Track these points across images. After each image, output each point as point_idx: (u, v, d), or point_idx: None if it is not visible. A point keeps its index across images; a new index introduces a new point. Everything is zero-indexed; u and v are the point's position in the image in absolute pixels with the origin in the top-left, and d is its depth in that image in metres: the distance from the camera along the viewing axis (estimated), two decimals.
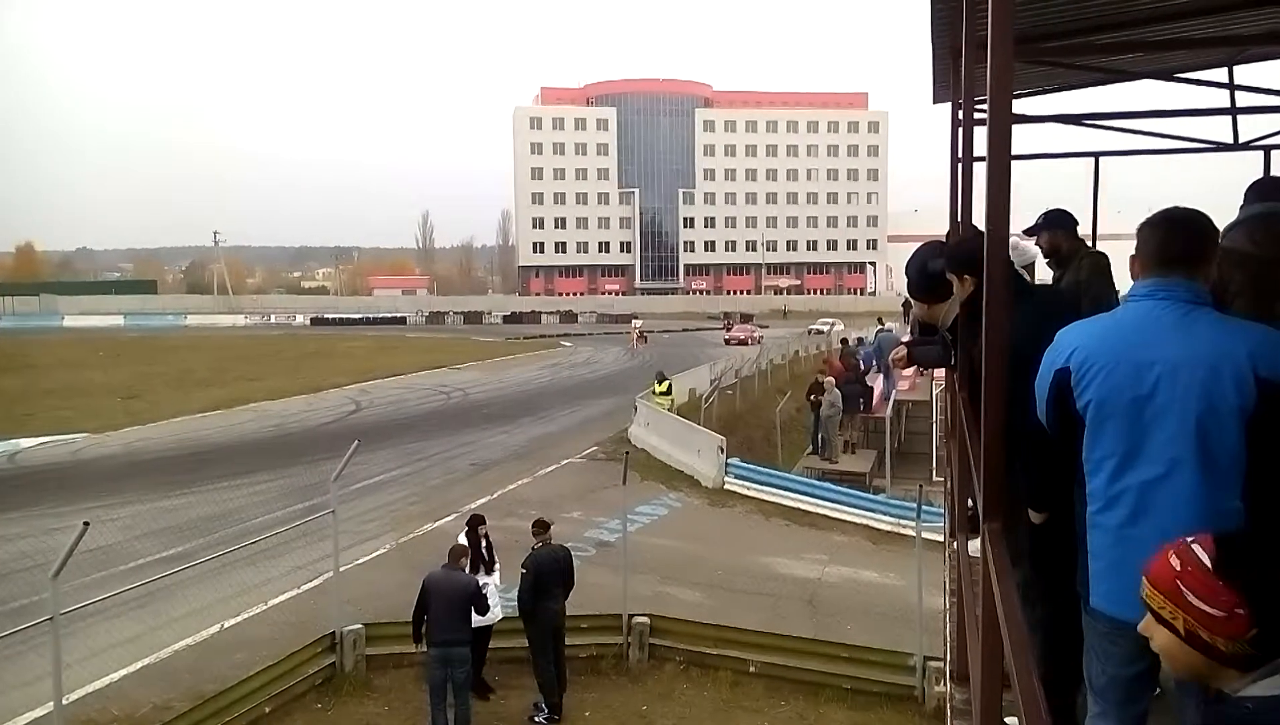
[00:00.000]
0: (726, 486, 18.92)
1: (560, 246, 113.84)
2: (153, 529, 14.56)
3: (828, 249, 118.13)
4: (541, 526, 9.95)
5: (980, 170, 2.30)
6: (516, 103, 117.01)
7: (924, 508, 11.01)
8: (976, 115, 4.55)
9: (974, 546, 2.81)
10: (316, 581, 12.45)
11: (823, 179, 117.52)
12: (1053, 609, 2.64)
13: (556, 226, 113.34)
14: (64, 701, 7.42)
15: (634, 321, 60.48)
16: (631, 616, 11.08)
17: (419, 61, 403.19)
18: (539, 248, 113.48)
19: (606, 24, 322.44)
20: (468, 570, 9.38)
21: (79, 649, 9.21)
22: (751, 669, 10.61)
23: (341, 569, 11.17)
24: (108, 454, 22.14)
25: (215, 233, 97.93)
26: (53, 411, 27.66)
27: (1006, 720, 2.22)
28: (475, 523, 10.14)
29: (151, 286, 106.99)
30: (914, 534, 10.89)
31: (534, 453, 22.18)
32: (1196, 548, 1.48)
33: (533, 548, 9.82)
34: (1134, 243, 2.38)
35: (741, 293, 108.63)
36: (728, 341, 53.69)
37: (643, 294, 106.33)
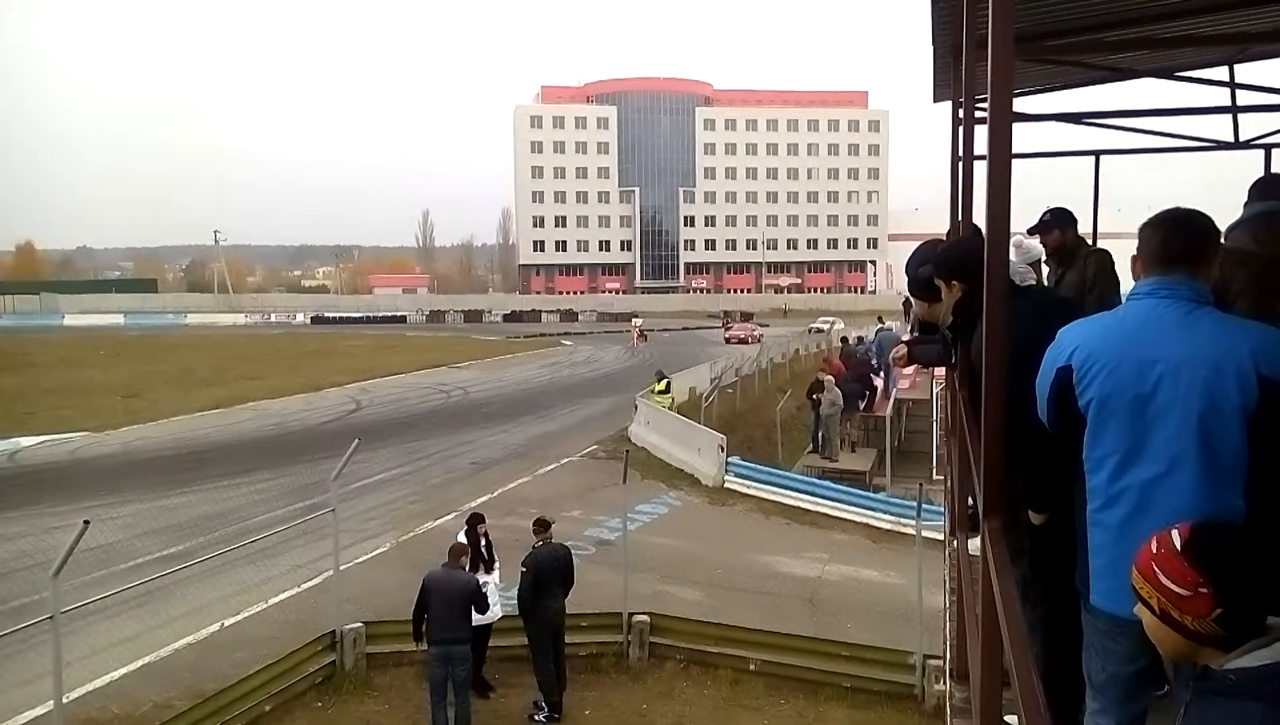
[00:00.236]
0: (727, 485, 18.92)
1: (560, 245, 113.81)
2: (153, 528, 14.56)
3: (828, 248, 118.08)
4: (542, 525, 9.96)
5: (981, 169, 2.30)
6: (517, 101, 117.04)
7: (924, 506, 11.02)
8: (977, 114, 4.54)
9: (974, 545, 2.81)
10: (317, 580, 12.46)
11: (823, 178, 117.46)
12: (1052, 607, 2.64)
13: (557, 225, 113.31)
14: (64, 700, 7.43)
15: (634, 320, 60.51)
16: (632, 615, 11.08)
17: (419, 60, 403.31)
18: (539, 246, 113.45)
19: (607, 23, 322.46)
20: (467, 569, 9.38)
21: (79, 647, 9.21)
22: (752, 667, 10.61)
23: (342, 567, 11.17)
24: (107, 453, 22.15)
25: (215, 231, 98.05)
26: (53, 410, 27.68)
27: (1006, 719, 2.22)
28: (474, 521, 10.15)
29: (152, 285, 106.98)
30: (914, 532, 10.89)
31: (534, 451, 22.18)
32: (1174, 533, 1.59)
33: (533, 546, 9.82)
34: (1134, 242, 2.38)
35: (742, 291, 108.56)
36: (727, 340, 53.67)
37: (643, 292, 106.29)
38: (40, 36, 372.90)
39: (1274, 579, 1.52)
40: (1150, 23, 6.02)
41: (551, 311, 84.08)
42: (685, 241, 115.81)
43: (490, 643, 10.06)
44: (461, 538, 9.84)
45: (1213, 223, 2.33)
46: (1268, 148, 7.08)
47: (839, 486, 18.34)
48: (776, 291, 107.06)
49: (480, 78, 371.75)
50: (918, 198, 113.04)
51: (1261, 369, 2.06)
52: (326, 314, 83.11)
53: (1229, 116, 7.32)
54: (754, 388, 30.58)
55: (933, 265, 3.56)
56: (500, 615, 9.90)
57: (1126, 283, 2.56)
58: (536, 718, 9.63)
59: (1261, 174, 6.79)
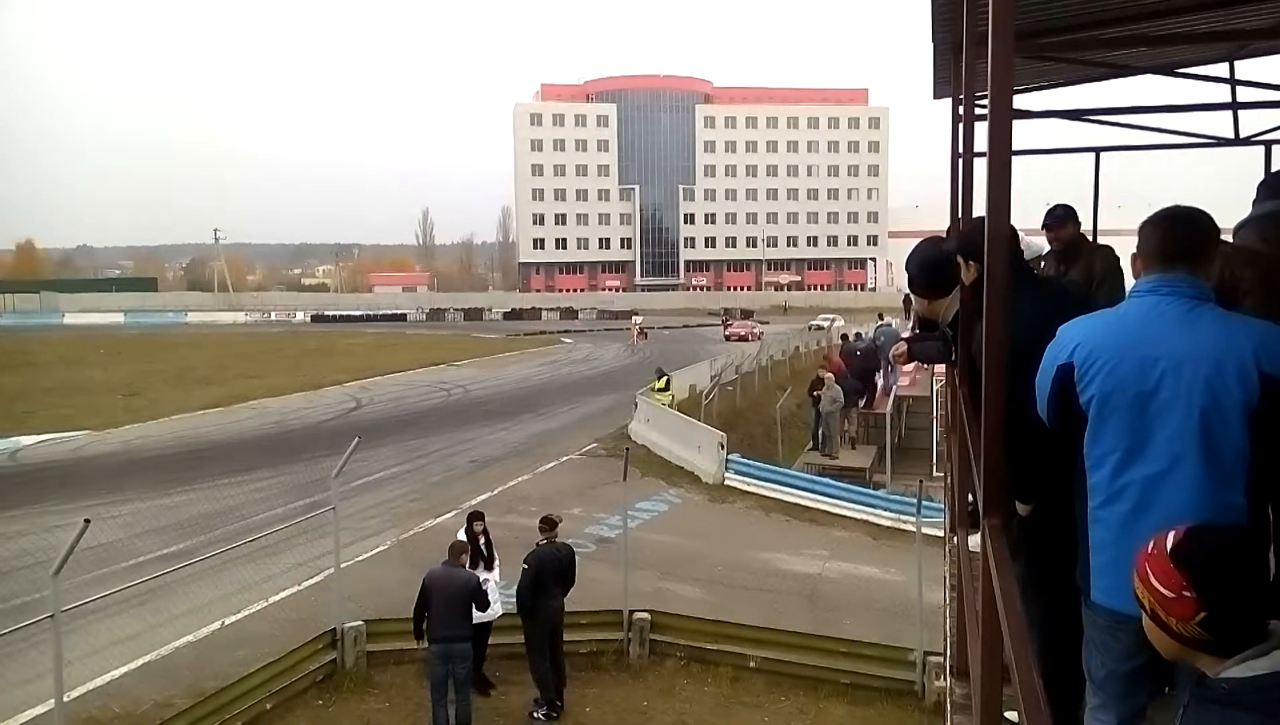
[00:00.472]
0: (727, 482, 18.92)
1: (560, 243, 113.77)
2: (153, 526, 14.57)
3: (828, 245, 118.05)
4: (548, 524, 9.95)
5: (981, 165, 2.30)
6: (516, 99, 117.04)
7: (924, 503, 11.02)
8: (977, 110, 4.53)
9: (974, 541, 2.81)
10: (317, 578, 12.46)
11: (823, 175, 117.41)
12: (1051, 604, 2.64)
13: (557, 223, 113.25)
14: (65, 698, 7.44)
15: (634, 318, 60.45)
16: (632, 612, 11.09)
17: (419, 59, 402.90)
18: (539, 244, 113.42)
19: (606, 20, 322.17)
20: (467, 566, 9.39)
21: (80, 646, 9.22)
22: (752, 664, 10.62)
23: (342, 565, 11.18)
24: (108, 451, 22.16)
25: (215, 230, 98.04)
26: (53, 409, 27.68)
27: (1006, 714, 2.22)
28: (473, 519, 10.15)
29: (152, 284, 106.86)
30: (914, 529, 10.90)
31: (534, 449, 22.19)
32: (1170, 534, 1.59)
33: (537, 543, 9.82)
34: (1134, 239, 2.38)
35: (742, 289, 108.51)
36: (727, 337, 53.64)
37: (643, 290, 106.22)
38: (40, 36, 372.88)
39: (1261, 586, 1.51)
40: (1150, 19, 6.02)
41: (551, 309, 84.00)
42: (685, 239, 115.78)
43: (491, 640, 10.07)
44: (461, 535, 9.85)
45: (1213, 220, 2.33)
46: (1268, 144, 7.08)
47: (839, 483, 18.36)
48: (777, 289, 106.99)
49: (480, 76, 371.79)
50: (918, 195, 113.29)
51: (1263, 366, 2.06)
52: (326, 312, 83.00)
53: (1229, 113, 7.31)
54: (754, 385, 30.59)
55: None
56: (500, 613, 9.91)
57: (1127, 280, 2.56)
58: (537, 715, 9.64)
59: (1262, 170, 6.80)
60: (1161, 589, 1.56)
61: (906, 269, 3.91)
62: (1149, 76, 7.41)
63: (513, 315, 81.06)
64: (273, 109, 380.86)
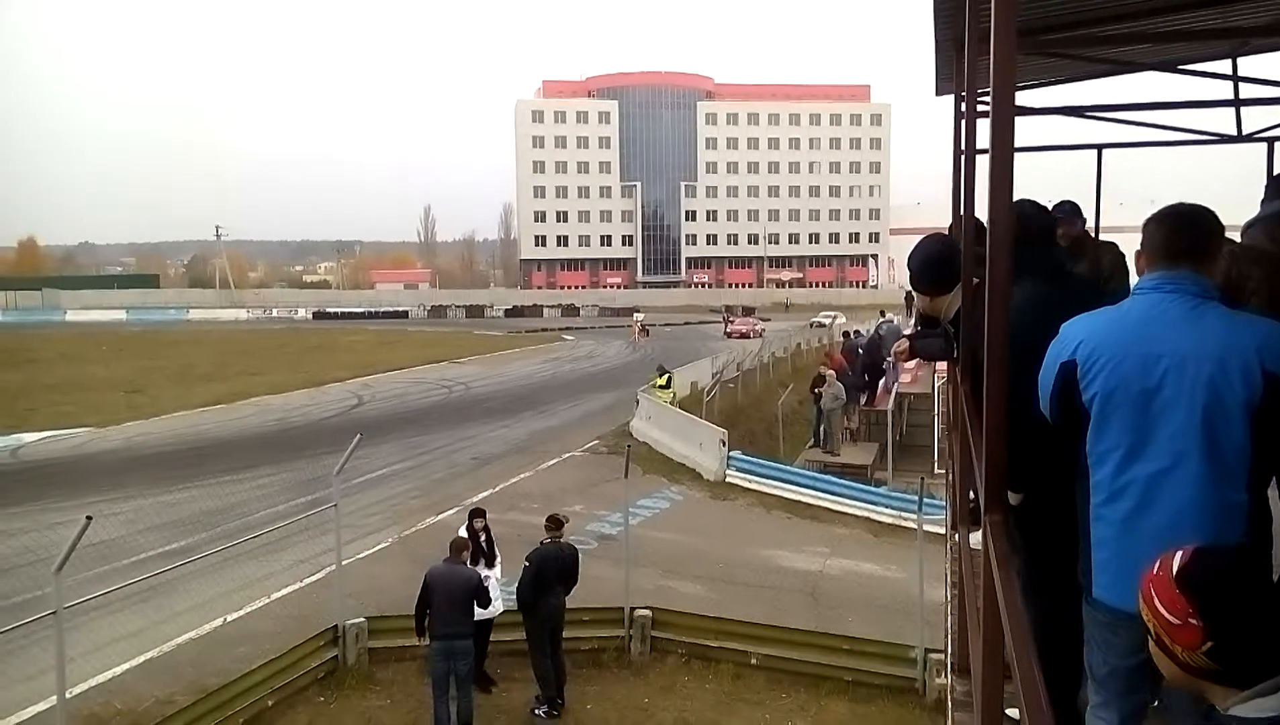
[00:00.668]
0: (728, 479, 18.92)
1: (562, 240, 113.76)
2: (155, 523, 14.58)
3: (830, 242, 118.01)
4: (554, 523, 9.94)
5: (983, 162, 2.29)
6: (518, 96, 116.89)
7: (925, 500, 11.02)
8: (979, 107, 4.52)
9: (975, 539, 2.81)
10: (319, 575, 12.47)
11: (825, 172, 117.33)
12: (1051, 601, 2.64)
13: (558, 220, 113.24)
14: (67, 695, 7.45)
15: (636, 315, 60.42)
16: (633, 609, 11.10)
17: (420, 56, 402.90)
18: (541, 241, 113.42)
19: (608, 17, 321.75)
20: (469, 563, 9.39)
21: (82, 643, 9.23)
22: (753, 661, 10.63)
23: (344, 563, 11.18)
24: (110, 449, 22.18)
25: (217, 227, 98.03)
26: (55, 406, 27.70)
27: (1008, 711, 2.22)
28: (474, 516, 10.16)
29: (154, 281, 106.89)
30: (915, 527, 10.89)
31: (536, 446, 22.20)
32: (1177, 555, 1.51)
33: (541, 542, 9.82)
34: (1137, 236, 2.38)
35: (743, 286, 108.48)
36: (728, 335, 53.65)
37: (644, 287, 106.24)
38: (42, 34, 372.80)
39: (1273, 615, 1.43)
40: (1153, 16, 6.00)
41: (553, 306, 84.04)
42: (687, 236, 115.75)
43: (492, 637, 10.07)
44: (463, 532, 9.86)
45: (1218, 218, 2.33)
46: (1270, 141, 7.06)
47: (840, 481, 18.35)
48: (778, 286, 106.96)
49: (481, 73, 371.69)
50: (920, 192, 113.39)
51: (1266, 364, 2.06)
52: (328, 309, 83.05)
53: (1232, 110, 7.30)
54: (755, 382, 30.59)
55: (919, 279, 3.65)
56: (502, 610, 9.92)
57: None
58: (538, 712, 9.65)
59: (1265, 167, 6.79)
60: (1167, 615, 1.48)
61: (909, 266, 3.90)
62: (1151, 73, 7.39)
63: (514, 312, 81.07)
64: (275, 106, 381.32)
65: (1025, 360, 2.38)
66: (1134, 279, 2.48)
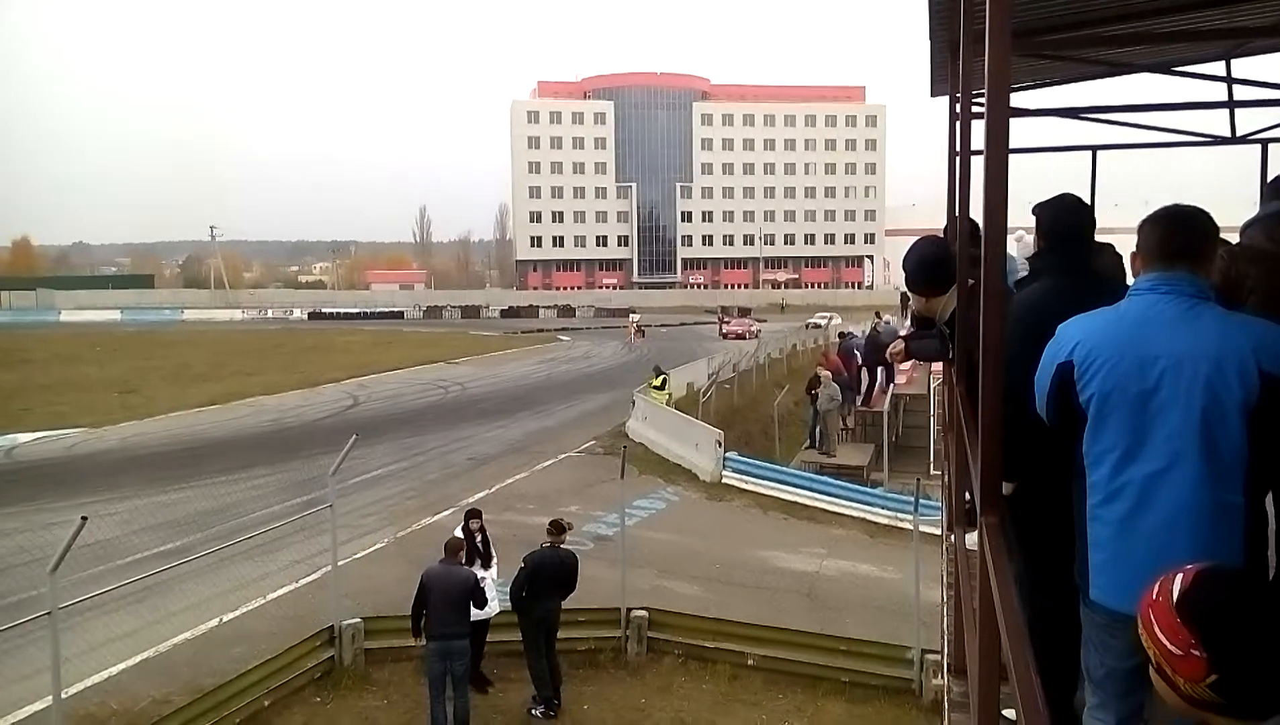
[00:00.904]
0: (724, 480, 18.93)
1: (558, 241, 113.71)
2: (150, 524, 14.54)
3: (825, 243, 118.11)
4: (555, 528, 9.93)
5: (978, 164, 2.30)
6: (514, 97, 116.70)
7: (921, 501, 11.05)
8: (974, 108, 4.54)
9: (971, 539, 2.81)
10: (315, 576, 12.46)
11: (820, 173, 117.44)
12: (1049, 602, 2.65)
13: (554, 220, 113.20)
14: (63, 695, 7.45)
15: (631, 316, 60.38)
16: (630, 610, 11.10)
17: (416, 56, 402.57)
18: (536, 242, 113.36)
19: (603, 18, 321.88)
20: (464, 564, 9.38)
21: (77, 643, 9.20)
22: (750, 662, 10.63)
23: (340, 563, 11.18)
24: (104, 449, 22.12)
25: (212, 227, 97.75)
26: (49, 407, 27.62)
27: (1004, 712, 2.22)
28: (470, 517, 10.15)
29: (148, 281, 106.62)
30: (911, 527, 10.91)
31: (532, 447, 22.18)
32: (1178, 578, 1.41)
33: (541, 545, 9.81)
34: (1132, 237, 2.39)
35: (739, 287, 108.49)
36: (724, 335, 53.63)
37: (640, 288, 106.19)
38: (38, 33, 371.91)
39: None
40: (1147, 18, 6.02)
41: (549, 307, 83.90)
42: (683, 237, 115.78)
43: (488, 638, 10.07)
44: (458, 533, 9.85)
45: (1213, 220, 2.34)
46: (1264, 143, 7.09)
47: (836, 481, 18.36)
48: (774, 287, 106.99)
49: (477, 73, 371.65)
50: (915, 193, 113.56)
51: (1263, 365, 2.07)
52: (323, 310, 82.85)
53: (1226, 111, 7.32)
54: (751, 383, 30.58)
55: (913, 280, 3.67)
56: (498, 610, 9.91)
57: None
58: (534, 712, 9.65)
59: (1259, 168, 6.81)
60: (1168, 645, 1.37)
61: (904, 266, 3.91)
62: (1146, 75, 7.41)
63: (510, 313, 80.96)
64: (270, 106, 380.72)
65: (1034, 353, 2.40)
66: (1130, 280, 2.49)
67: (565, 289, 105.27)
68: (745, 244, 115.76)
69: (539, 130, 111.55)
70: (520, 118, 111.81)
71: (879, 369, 23.70)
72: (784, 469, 19.49)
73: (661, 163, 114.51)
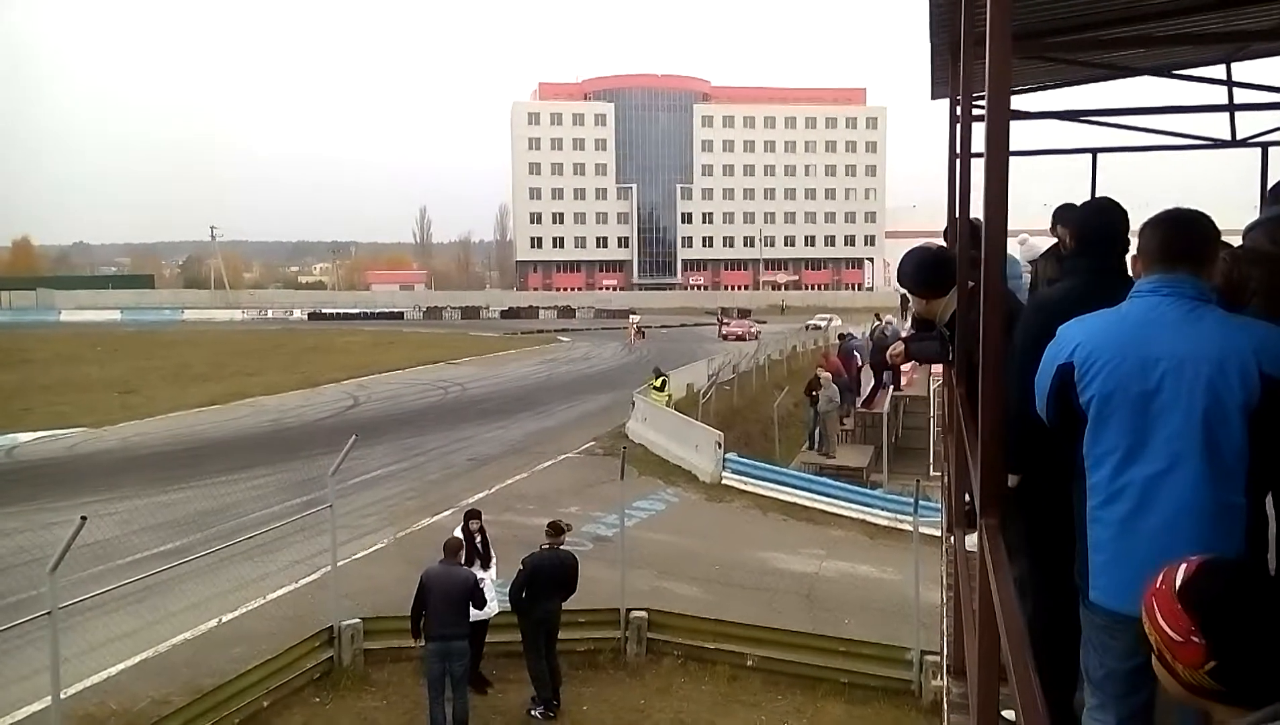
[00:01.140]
0: (724, 481, 18.93)
1: (558, 242, 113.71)
2: (150, 524, 14.54)
3: (826, 245, 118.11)
4: (554, 529, 9.92)
5: (979, 166, 2.31)
6: (514, 98, 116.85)
7: (921, 502, 11.05)
8: (975, 111, 4.54)
9: (971, 541, 2.82)
10: (314, 576, 12.46)
11: (821, 175, 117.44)
12: (1053, 602, 2.65)
13: (554, 222, 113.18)
14: (62, 695, 7.44)
15: (632, 317, 60.39)
16: (629, 611, 11.10)
17: (417, 57, 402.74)
18: (537, 243, 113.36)
19: (604, 20, 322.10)
20: (463, 564, 9.38)
21: (77, 643, 9.20)
22: (749, 663, 10.63)
23: (339, 563, 11.18)
24: (104, 449, 22.12)
25: (212, 228, 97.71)
26: (49, 406, 27.62)
27: (1003, 713, 2.23)
28: (470, 518, 10.14)
29: (148, 281, 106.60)
30: (911, 529, 10.92)
31: (531, 448, 22.18)
32: (1181, 568, 1.45)
33: (540, 547, 9.81)
34: (1131, 239, 2.39)
35: (739, 288, 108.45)
36: (724, 337, 53.63)
37: (640, 289, 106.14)
38: (38, 33, 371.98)
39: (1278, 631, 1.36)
40: (1148, 20, 6.03)
41: (549, 308, 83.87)
42: (683, 238, 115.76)
43: (488, 638, 10.07)
44: (458, 533, 9.85)
45: (1214, 223, 2.35)
46: (1264, 146, 7.10)
47: (836, 483, 18.36)
48: (774, 288, 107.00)
49: (478, 75, 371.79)
50: (915, 195, 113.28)
51: (1264, 367, 2.08)
52: (324, 310, 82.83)
53: (1226, 115, 7.33)
54: (751, 384, 30.59)
55: (912, 282, 3.67)
56: (497, 611, 9.91)
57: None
58: (534, 713, 9.65)
59: (1259, 172, 6.81)
60: (1169, 631, 1.41)
61: (902, 270, 3.92)
62: (1146, 78, 7.42)
63: (510, 314, 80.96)
64: (270, 106, 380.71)
65: (1042, 352, 2.41)
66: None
67: (565, 290, 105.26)
68: (745, 246, 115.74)
69: (539, 131, 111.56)
70: (521, 119, 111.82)
71: (884, 372, 23.71)
72: (784, 470, 19.49)
73: (662, 164, 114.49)
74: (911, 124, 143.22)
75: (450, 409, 28.31)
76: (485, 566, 9.92)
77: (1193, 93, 7.25)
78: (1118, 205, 2.92)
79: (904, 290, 4.09)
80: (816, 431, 21.63)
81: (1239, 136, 7.42)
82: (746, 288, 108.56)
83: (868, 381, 24.90)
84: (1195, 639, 1.38)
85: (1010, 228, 2.29)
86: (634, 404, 24.22)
